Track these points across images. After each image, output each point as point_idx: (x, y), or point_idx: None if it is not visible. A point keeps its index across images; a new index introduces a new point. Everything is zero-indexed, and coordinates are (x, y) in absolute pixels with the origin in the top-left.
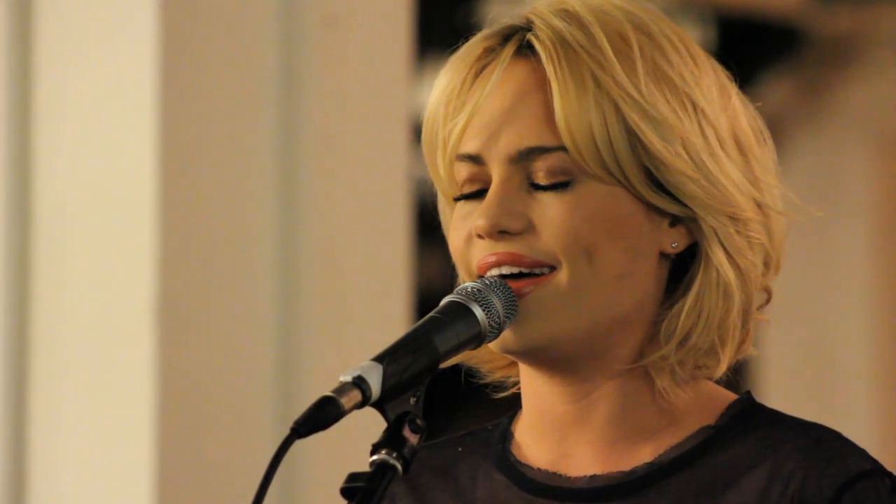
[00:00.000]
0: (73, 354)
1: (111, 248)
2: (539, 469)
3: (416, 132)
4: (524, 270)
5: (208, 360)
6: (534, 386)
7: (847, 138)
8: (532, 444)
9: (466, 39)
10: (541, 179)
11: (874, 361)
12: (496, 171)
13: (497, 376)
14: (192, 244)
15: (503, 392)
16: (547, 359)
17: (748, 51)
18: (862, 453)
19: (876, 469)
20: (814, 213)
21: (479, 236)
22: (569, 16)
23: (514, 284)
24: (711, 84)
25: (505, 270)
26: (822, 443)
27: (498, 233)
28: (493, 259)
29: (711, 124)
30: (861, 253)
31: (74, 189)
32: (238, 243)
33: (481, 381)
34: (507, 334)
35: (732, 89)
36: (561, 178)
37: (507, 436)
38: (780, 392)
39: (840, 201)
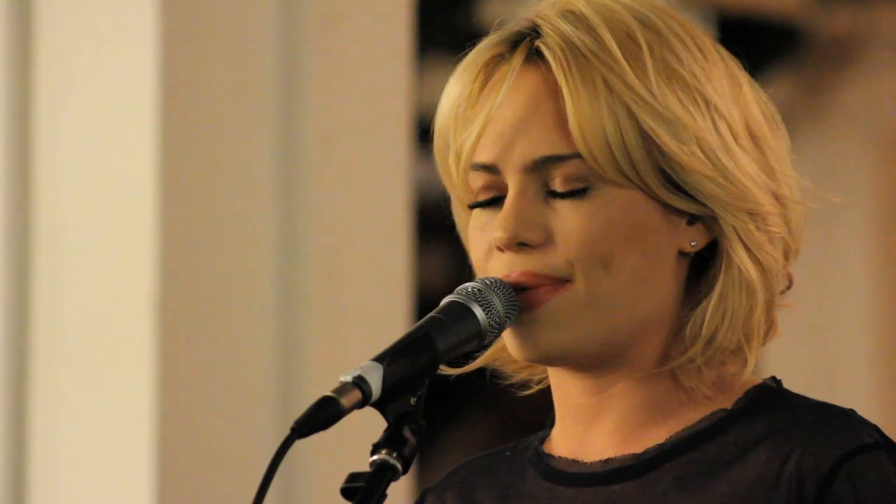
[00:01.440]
0: (73, 354)
1: (111, 248)
2: (560, 458)
3: (417, 132)
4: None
5: (208, 360)
6: (558, 380)
7: (847, 138)
8: (560, 436)
9: (468, 41)
10: (557, 187)
11: (875, 358)
12: (512, 181)
13: (522, 376)
14: (192, 244)
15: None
16: (567, 363)
17: (748, 50)
18: (867, 428)
19: (880, 443)
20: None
21: (499, 248)
22: (575, 18)
23: (532, 292)
24: (722, 76)
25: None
26: (825, 419)
27: (517, 244)
28: (512, 277)
29: (724, 119)
30: (861, 251)
31: (74, 189)
32: (238, 243)
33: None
34: (524, 343)
35: (743, 78)
36: (578, 185)
37: (544, 436)
38: None
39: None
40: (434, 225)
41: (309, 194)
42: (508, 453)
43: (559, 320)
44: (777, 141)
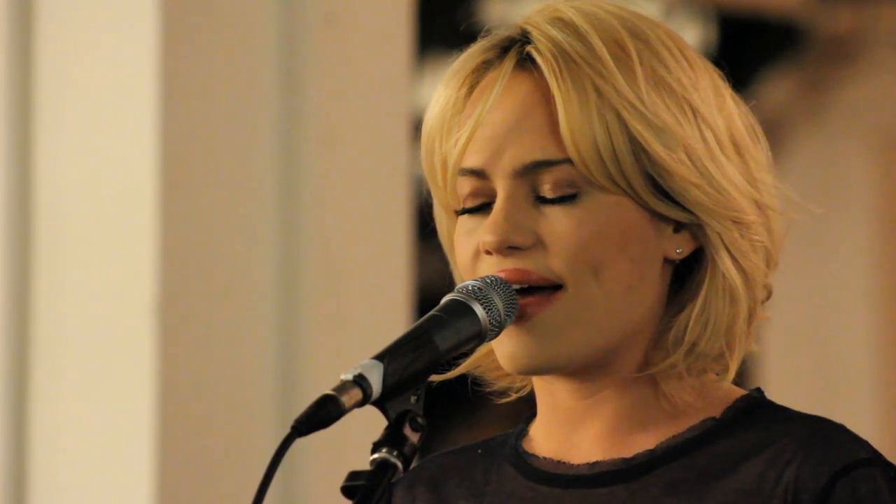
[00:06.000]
0: (73, 354)
1: (111, 248)
2: (544, 458)
3: (417, 131)
4: (532, 285)
5: (208, 360)
6: (544, 383)
7: (848, 136)
8: (543, 436)
9: (468, 41)
10: (547, 192)
11: (875, 359)
12: (501, 186)
13: (503, 384)
14: (192, 244)
15: (507, 398)
16: (558, 373)
17: (749, 49)
18: (862, 443)
19: (874, 459)
20: (813, 210)
21: (487, 252)
22: (565, 25)
23: (524, 305)
24: (708, 87)
25: (514, 287)
26: (820, 432)
27: (506, 248)
28: (501, 275)
29: (710, 128)
30: (861, 250)
31: (74, 189)
32: (238, 243)
33: (487, 390)
34: (518, 354)
35: (726, 90)
36: (567, 191)
37: (522, 433)
38: (780, 391)
39: (841, 198)
40: (434, 225)
41: (309, 194)
42: (480, 451)
43: (552, 331)
44: (758, 151)
